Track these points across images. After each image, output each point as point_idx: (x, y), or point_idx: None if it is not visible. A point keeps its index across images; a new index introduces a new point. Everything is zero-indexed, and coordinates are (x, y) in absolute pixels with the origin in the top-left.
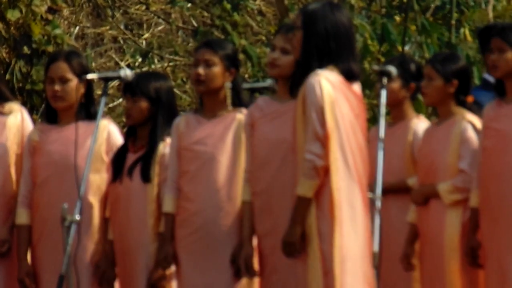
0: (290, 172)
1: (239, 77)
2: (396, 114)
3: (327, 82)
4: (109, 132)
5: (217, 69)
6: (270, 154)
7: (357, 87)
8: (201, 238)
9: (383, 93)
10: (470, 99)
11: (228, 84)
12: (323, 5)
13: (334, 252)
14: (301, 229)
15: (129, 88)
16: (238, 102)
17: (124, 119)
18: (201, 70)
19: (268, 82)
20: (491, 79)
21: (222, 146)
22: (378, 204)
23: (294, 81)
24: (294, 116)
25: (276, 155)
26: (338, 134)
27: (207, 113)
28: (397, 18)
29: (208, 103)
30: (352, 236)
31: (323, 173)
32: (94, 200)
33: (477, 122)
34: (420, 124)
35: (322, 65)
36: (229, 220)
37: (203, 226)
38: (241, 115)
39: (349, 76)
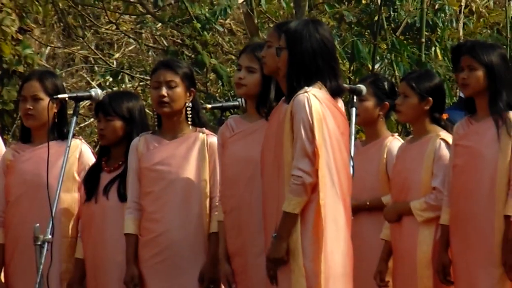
0: (258, 190)
1: (211, 96)
2: (370, 132)
3: (315, 99)
4: (81, 152)
5: (180, 89)
6: (238, 172)
7: (341, 103)
8: (167, 258)
9: (353, 112)
10: (444, 116)
11: (189, 104)
12: (305, 24)
13: (320, 269)
14: (287, 245)
15: (101, 108)
16: (198, 122)
17: (95, 139)
18: (164, 92)
19: (238, 101)
20: None
21: (187, 166)
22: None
23: (261, 100)
24: (280, 132)
25: (243, 173)
26: (325, 151)
27: (167, 133)
28: (367, 36)
29: (168, 124)
30: (336, 254)
31: (311, 190)
32: (65, 219)
33: (451, 140)
34: (394, 142)
35: (310, 83)
36: (196, 240)
37: (169, 247)
38: (203, 135)
39: (335, 93)
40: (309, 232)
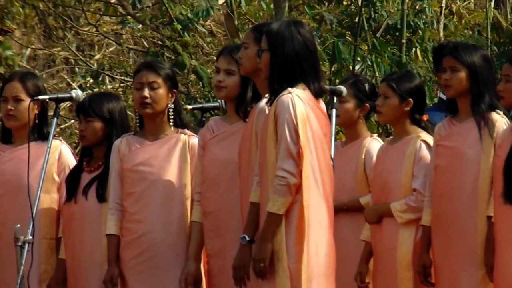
0: (237, 192)
1: (191, 97)
2: (350, 133)
3: (299, 99)
4: (60, 153)
5: (162, 91)
6: (218, 174)
7: (323, 104)
8: (148, 259)
9: (334, 113)
10: (424, 117)
11: (171, 105)
12: (287, 25)
13: (302, 269)
14: (272, 246)
15: (82, 109)
16: (180, 123)
17: (76, 140)
18: (146, 93)
19: (218, 102)
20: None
21: (168, 167)
22: None
23: (240, 102)
24: (265, 133)
25: (223, 175)
26: (309, 151)
27: (149, 134)
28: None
29: (150, 125)
30: (319, 254)
31: (295, 190)
32: (44, 220)
33: (431, 141)
34: (373, 142)
35: (293, 85)
36: (177, 240)
37: (150, 247)
38: (185, 136)
39: (317, 94)
40: (293, 233)
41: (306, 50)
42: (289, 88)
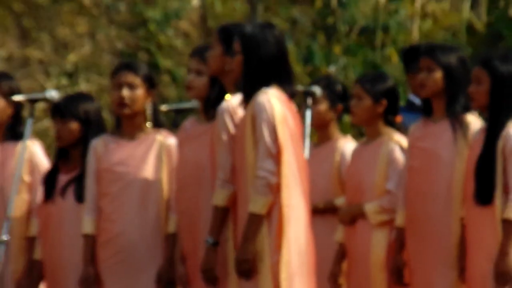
0: (207, 193)
1: (165, 98)
2: (322, 135)
3: (276, 99)
4: (31, 153)
5: (140, 91)
6: (188, 175)
7: (294, 105)
8: (124, 259)
9: (308, 114)
10: (398, 119)
11: (149, 106)
12: (260, 29)
13: (281, 268)
14: (254, 246)
15: (57, 110)
16: (156, 124)
17: (49, 141)
18: (125, 93)
19: (193, 103)
20: (416, 100)
21: (144, 167)
22: None
23: (208, 103)
24: (243, 134)
25: (193, 176)
26: (288, 151)
27: (125, 134)
28: (322, 39)
29: (127, 125)
30: (301, 254)
31: (276, 190)
32: (15, 220)
33: (405, 142)
34: (348, 144)
35: (267, 85)
36: (153, 240)
37: (126, 247)
38: (161, 136)
39: (290, 96)
40: (275, 233)
41: (280, 53)
42: (264, 88)
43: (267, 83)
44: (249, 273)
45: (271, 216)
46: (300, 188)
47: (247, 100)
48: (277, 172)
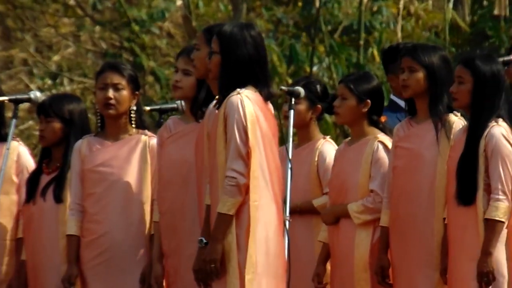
0: (192, 192)
1: (149, 99)
2: (302, 135)
3: (248, 100)
4: (19, 154)
5: (126, 92)
6: (173, 174)
7: (270, 106)
8: (109, 259)
9: (291, 114)
10: (382, 119)
11: (133, 107)
12: (240, 29)
13: (247, 268)
14: (222, 246)
15: (42, 110)
16: (141, 125)
17: (34, 141)
18: (111, 94)
19: (176, 103)
20: (398, 100)
21: (128, 168)
22: (287, 224)
23: (196, 102)
24: (213, 134)
25: (178, 175)
26: (259, 152)
27: (110, 135)
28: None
29: (111, 126)
30: (269, 255)
31: (245, 191)
32: (3, 221)
33: (389, 142)
34: (326, 144)
35: (243, 86)
36: (137, 241)
37: (110, 247)
38: (145, 137)
39: (267, 98)
40: (244, 234)
41: (258, 54)
42: (238, 89)
43: (243, 83)
44: (217, 273)
45: (241, 217)
46: (271, 190)
47: (222, 100)
48: (247, 173)
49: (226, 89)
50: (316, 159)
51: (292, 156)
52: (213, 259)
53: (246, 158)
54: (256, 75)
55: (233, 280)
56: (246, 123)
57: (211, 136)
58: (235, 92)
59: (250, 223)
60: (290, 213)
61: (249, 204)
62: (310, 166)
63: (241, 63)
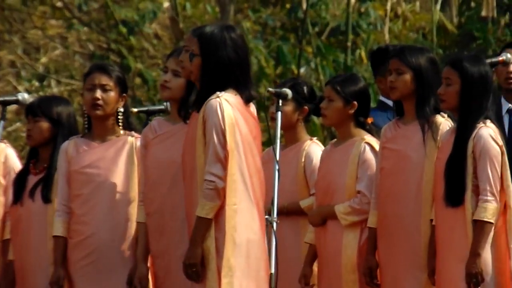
0: (181, 193)
1: (136, 100)
2: (289, 136)
3: (227, 103)
4: (6, 156)
5: (113, 93)
6: (161, 175)
7: (253, 108)
8: (96, 260)
9: (278, 115)
10: (369, 120)
11: (121, 109)
12: (220, 30)
13: (224, 272)
14: (202, 250)
15: (30, 110)
16: (128, 126)
17: (21, 143)
18: (99, 95)
19: (164, 105)
20: (387, 100)
21: (115, 169)
22: (275, 226)
23: (184, 103)
24: (193, 137)
25: (166, 176)
26: (238, 155)
27: (96, 137)
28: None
29: (99, 127)
30: (250, 257)
31: (224, 194)
32: None
33: (376, 143)
34: (312, 146)
35: (223, 90)
36: (124, 242)
37: (98, 249)
38: (132, 139)
39: (247, 100)
40: (223, 237)
41: (238, 56)
42: (218, 92)
43: (223, 86)
44: (197, 277)
45: (220, 220)
46: (251, 193)
47: (202, 102)
48: (225, 177)
49: (206, 92)
50: (303, 160)
51: (279, 157)
52: (193, 263)
53: (224, 161)
54: (237, 77)
55: (212, 284)
56: (224, 127)
57: (189, 140)
58: (214, 96)
59: (229, 226)
60: (277, 214)
61: (228, 208)
62: (297, 167)
63: (221, 65)
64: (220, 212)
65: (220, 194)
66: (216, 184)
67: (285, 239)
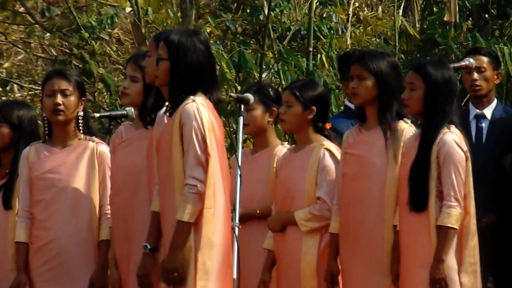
0: (144, 198)
1: (98, 105)
2: (259, 141)
3: (204, 108)
4: None
5: (73, 98)
6: (124, 180)
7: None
8: (57, 265)
9: (241, 120)
10: (327, 125)
11: (81, 113)
12: (188, 36)
13: (199, 275)
14: (183, 254)
15: None
16: (88, 131)
17: None
18: (59, 100)
19: (126, 110)
20: (353, 106)
21: (76, 174)
22: (236, 231)
23: (144, 109)
24: (169, 142)
25: (129, 181)
26: (214, 159)
27: (57, 142)
28: (253, 45)
29: (59, 133)
30: (223, 261)
31: (204, 198)
32: None
33: (335, 149)
34: (284, 151)
35: (193, 94)
36: (86, 247)
37: (59, 254)
38: (93, 144)
39: (216, 103)
40: (202, 241)
41: (207, 60)
42: (192, 97)
43: (193, 90)
44: (180, 281)
45: (198, 224)
46: (224, 196)
47: (174, 107)
48: (206, 181)
49: (178, 96)
50: (275, 165)
51: (247, 162)
52: (175, 267)
53: (205, 165)
54: (206, 81)
55: (189, 287)
56: (204, 131)
57: (165, 145)
58: (189, 100)
59: (206, 230)
60: (247, 218)
61: (206, 211)
62: (269, 172)
63: (191, 70)
64: (199, 215)
65: (202, 197)
66: (198, 188)
67: (255, 243)
